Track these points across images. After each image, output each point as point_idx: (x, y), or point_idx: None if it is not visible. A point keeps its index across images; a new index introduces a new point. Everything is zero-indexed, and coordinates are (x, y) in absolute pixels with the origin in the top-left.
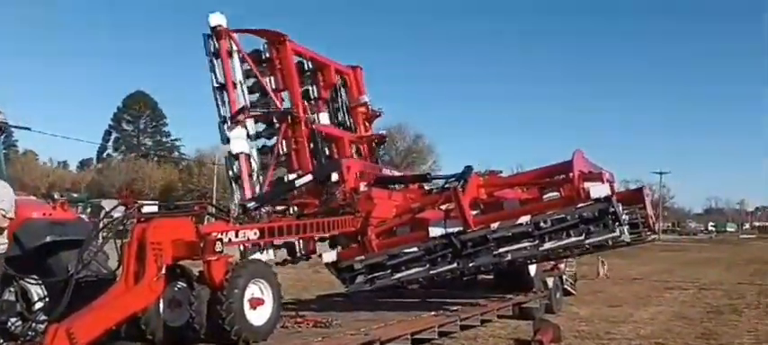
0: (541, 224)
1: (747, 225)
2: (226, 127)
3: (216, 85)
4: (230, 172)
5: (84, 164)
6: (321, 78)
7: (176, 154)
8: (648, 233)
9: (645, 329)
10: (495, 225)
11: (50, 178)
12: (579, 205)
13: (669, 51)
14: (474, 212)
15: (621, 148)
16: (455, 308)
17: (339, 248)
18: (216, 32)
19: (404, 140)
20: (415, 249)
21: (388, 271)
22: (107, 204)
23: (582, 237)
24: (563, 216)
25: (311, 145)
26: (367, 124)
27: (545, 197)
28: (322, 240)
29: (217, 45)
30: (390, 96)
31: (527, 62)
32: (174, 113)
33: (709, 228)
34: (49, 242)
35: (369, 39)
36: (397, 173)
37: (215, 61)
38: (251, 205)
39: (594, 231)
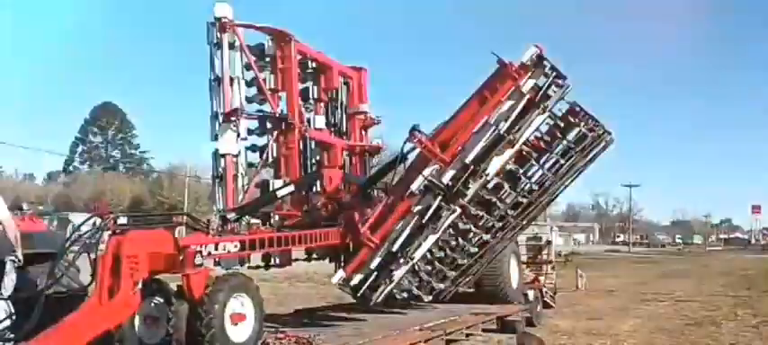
0: (501, 121)
1: (713, 238)
2: (217, 123)
3: (212, 78)
4: (214, 171)
5: (51, 177)
6: (322, 79)
7: (146, 166)
8: (603, 132)
9: (627, 342)
10: (464, 147)
11: (16, 190)
12: (520, 83)
13: (635, 64)
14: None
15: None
16: (439, 322)
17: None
18: (220, 23)
19: (382, 154)
20: (408, 222)
21: (399, 258)
22: (74, 217)
23: (541, 110)
24: (513, 103)
25: (301, 148)
26: (363, 132)
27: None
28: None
29: (219, 36)
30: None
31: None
32: (144, 125)
33: (677, 240)
34: None
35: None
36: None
37: (214, 52)
38: (231, 216)
39: (548, 99)
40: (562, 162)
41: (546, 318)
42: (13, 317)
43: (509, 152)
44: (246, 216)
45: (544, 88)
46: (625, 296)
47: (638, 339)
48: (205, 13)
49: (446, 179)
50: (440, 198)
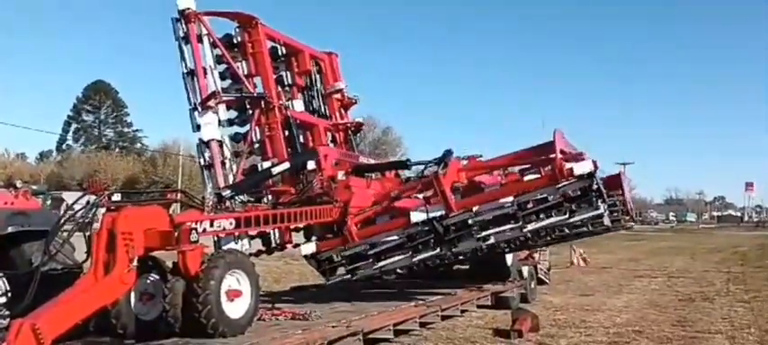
0: (524, 205)
1: (706, 215)
2: (196, 114)
3: (185, 72)
4: (201, 161)
5: (43, 156)
6: (295, 64)
7: (139, 145)
8: (627, 218)
9: (620, 317)
10: (477, 208)
11: (8, 170)
12: (562, 183)
13: (629, 44)
14: (454, 197)
15: (584, 138)
16: (434, 299)
17: (316, 239)
18: (184, 16)
19: (373, 131)
20: (396, 237)
21: (370, 261)
22: (68, 196)
23: (565, 216)
24: (545, 196)
25: (286, 132)
26: (343, 111)
27: (526, 178)
28: (297, 230)
29: (185, 29)
30: (357, 87)
31: (485, 53)
32: (136, 104)
33: (671, 218)
34: (12, 232)
35: (332, 27)
36: (374, 162)
37: (184, 46)
38: (226, 193)
39: (577, 210)
40: (566, 231)
41: (540, 294)
42: (9, 294)
43: (515, 232)
44: (241, 197)
45: (582, 198)
46: (618, 272)
47: (632, 314)
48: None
49: (447, 223)
50: (432, 236)
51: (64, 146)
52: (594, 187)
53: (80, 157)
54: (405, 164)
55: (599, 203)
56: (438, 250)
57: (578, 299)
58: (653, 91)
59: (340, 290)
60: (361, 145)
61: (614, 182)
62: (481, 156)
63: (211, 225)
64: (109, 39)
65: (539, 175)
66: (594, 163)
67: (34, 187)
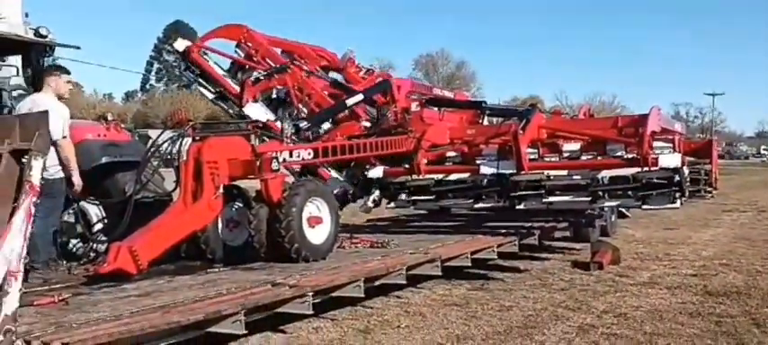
0: (599, 180)
1: None
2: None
3: (214, 97)
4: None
5: (129, 96)
6: (301, 61)
7: None
8: (709, 189)
9: (706, 250)
10: (549, 173)
11: (96, 109)
12: (644, 169)
13: None
14: (531, 152)
15: (673, 68)
16: (512, 230)
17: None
18: (188, 56)
19: (447, 66)
20: (463, 179)
21: (433, 196)
22: (153, 134)
23: (638, 203)
24: (624, 175)
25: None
26: (364, 76)
27: (609, 148)
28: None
29: (197, 67)
30: (432, 19)
31: None
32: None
33: (762, 152)
34: (105, 162)
35: None
36: (448, 94)
37: (204, 82)
38: (303, 125)
39: (653, 198)
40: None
41: (621, 228)
42: (105, 221)
43: (583, 205)
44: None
45: (662, 188)
46: (703, 206)
47: (719, 248)
48: None
49: (515, 180)
50: (498, 192)
51: (147, 86)
52: (676, 180)
53: (164, 96)
54: (479, 105)
55: (676, 198)
56: (501, 203)
57: (662, 233)
58: (747, 18)
59: (417, 224)
60: (435, 79)
61: (705, 150)
62: (566, 115)
63: (291, 155)
64: None
65: (623, 149)
66: (683, 157)
67: (123, 125)
